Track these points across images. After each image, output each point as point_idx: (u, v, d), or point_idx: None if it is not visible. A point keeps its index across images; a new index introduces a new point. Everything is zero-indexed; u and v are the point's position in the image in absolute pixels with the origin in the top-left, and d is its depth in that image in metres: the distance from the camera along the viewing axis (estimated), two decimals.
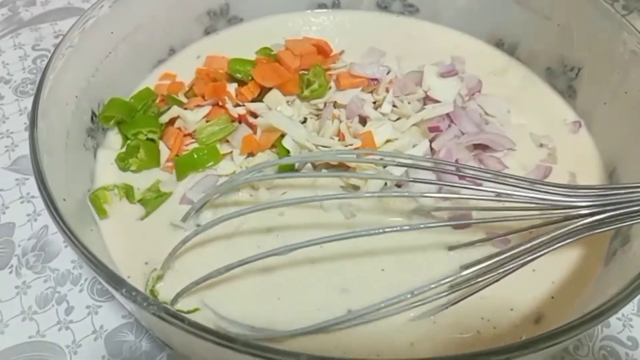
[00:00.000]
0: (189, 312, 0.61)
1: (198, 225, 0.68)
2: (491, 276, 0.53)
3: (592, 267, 0.66)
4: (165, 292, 0.63)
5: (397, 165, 0.63)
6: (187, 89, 0.82)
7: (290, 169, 0.73)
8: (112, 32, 0.77)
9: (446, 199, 0.68)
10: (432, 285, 0.51)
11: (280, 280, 0.64)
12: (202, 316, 0.61)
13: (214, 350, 0.45)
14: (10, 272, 0.73)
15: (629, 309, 0.71)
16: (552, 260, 0.65)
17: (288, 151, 0.73)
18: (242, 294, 0.63)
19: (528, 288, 0.64)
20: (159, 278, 0.64)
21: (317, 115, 0.80)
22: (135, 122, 0.77)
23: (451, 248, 0.66)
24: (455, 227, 0.67)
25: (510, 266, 0.53)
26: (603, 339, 0.68)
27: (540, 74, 0.87)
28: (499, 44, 0.91)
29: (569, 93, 0.83)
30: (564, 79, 0.84)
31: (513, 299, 0.63)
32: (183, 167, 0.73)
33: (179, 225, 0.68)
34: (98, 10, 0.74)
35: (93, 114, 0.75)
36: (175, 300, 0.61)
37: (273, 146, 0.75)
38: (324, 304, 0.60)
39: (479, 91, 0.83)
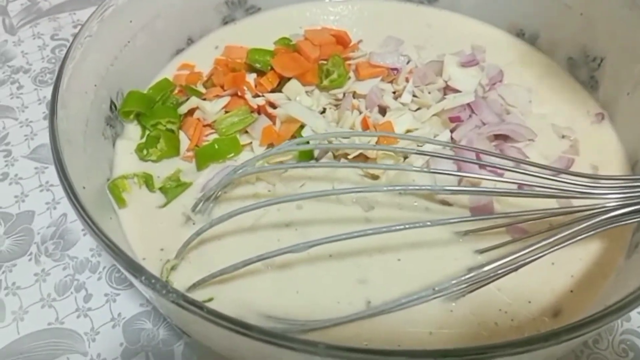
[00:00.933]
0: (203, 302, 0.61)
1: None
2: (509, 268, 0.53)
3: (612, 261, 0.65)
4: (180, 283, 0.63)
5: (417, 153, 0.62)
6: (205, 79, 0.82)
7: (309, 158, 0.72)
8: (130, 21, 0.77)
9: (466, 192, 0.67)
10: (454, 282, 0.50)
11: (297, 274, 0.63)
12: (217, 306, 0.61)
13: (231, 338, 0.45)
14: (30, 260, 0.74)
15: None
16: (572, 253, 0.65)
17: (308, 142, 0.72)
18: (259, 288, 0.62)
19: (546, 281, 0.63)
20: (173, 268, 0.64)
21: (336, 105, 0.79)
22: (154, 113, 0.77)
23: (478, 251, 0.65)
24: (478, 228, 0.66)
25: (530, 258, 0.52)
26: (623, 333, 0.67)
27: (562, 64, 0.86)
28: (520, 34, 0.89)
29: (591, 84, 0.82)
30: (586, 70, 0.82)
31: (531, 291, 0.62)
32: (204, 157, 0.73)
33: (189, 216, 0.68)
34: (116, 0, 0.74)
35: (112, 103, 0.75)
36: (190, 290, 0.62)
37: (293, 137, 0.74)
38: (342, 296, 0.60)
39: (500, 81, 0.82)
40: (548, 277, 0.63)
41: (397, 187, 0.57)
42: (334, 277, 0.63)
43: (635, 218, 0.53)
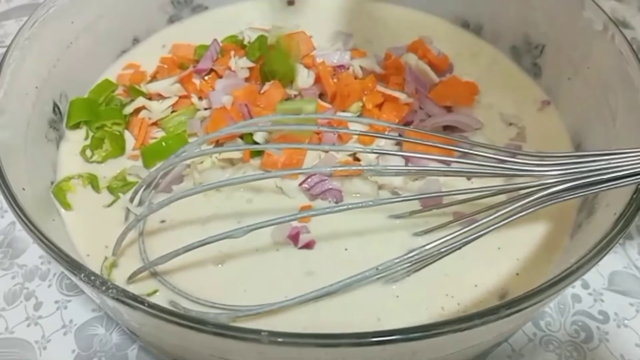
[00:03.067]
0: (148, 295, 0.61)
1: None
2: (452, 247, 0.53)
3: (558, 243, 0.66)
4: (124, 280, 0.63)
5: (367, 152, 0.62)
6: (149, 78, 0.81)
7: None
8: (72, 22, 0.76)
9: (412, 174, 0.68)
10: (397, 260, 0.51)
11: (244, 269, 0.63)
12: (163, 299, 0.61)
13: (176, 333, 0.45)
14: None
15: (599, 283, 0.71)
16: (517, 237, 0.66)
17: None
18: (206, 286, 0.62)
19: (492, 265, 0.64)
20: (113, 265, 0.64)
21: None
22: (99, 115, 0.76)
23: (417, 233, 0.66)
24: (423, 210, 0.67)
25: (472, 236, 0.53)
26: (575, 314, 0.69)
27: (506, 52, 0.87)
28: (465, 24, 0.91)
29: (534, 71, 0.84)
30: (529, 57, 0.84)
31: (477, 275, 0.63)
32: (151, 155, 0.73)
33: (129, 209, 0.68)
34: (57, 0, 0.73)
35: (55, 105, 0.74)
36: (130, 279, 0.61)
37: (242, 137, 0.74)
38: (290, 289, 0.59)
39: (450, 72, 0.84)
40: (494, 261, 0.64)
41: (340, 168, 0.56)
42: (281, 271, 0.63)
43: (575, 194, 0.54)
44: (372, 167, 0.63)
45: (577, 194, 0.55)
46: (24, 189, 0.57)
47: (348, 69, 0.80)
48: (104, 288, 0.45)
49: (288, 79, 0.77)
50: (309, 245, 0.64)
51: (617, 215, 0.53)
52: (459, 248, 0.54)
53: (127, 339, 0.66)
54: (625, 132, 0.65)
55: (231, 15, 0.92)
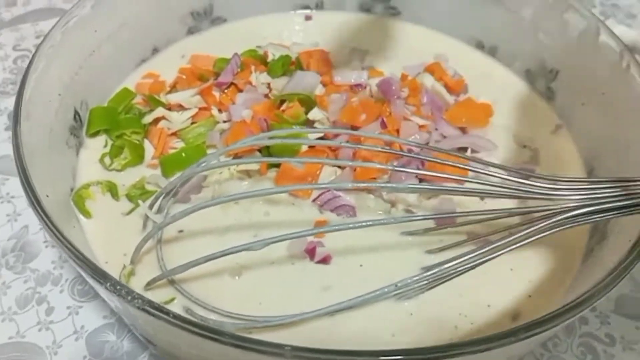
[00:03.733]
0: (165, 302, 0.61)
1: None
2: (468, 265, 0.54)
3: (570, 267, 0.67)
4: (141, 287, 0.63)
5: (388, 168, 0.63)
6: (168, 89, 0.82)
7: None
8: (95, 31, 0.77)
9: (428, 192, 0.69)
10: (415, 278, 0.52)
11: (260, 283, 0.64)
12: (179, 306, 0.61)
13: (195, 343, 0.45)
14: None
15: (606, 306, 0.72)
16: (530, 259, 0.67)
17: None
18: (222, 297, 0.62)
19: (505, 286, 0.65)
20: (130, 274, 0.64)
21: None
22: (119, 124, 0.77)
23: (430, 251, 0.66)
24: (436, 228, 0.67)
25: (488, 256, 0.54)
26: (581, 336, 0.69)
27: (520, 75, 0.88)
28: (479, 46, 0.92)
29: (548, 95, 0.85)
30: (543, 81, 0.85)
31: (490, 296, 0.63)
32: (171, 165, 0.73)
33: (148, 216, 0.68)
34: (81, 10, 0.74)
35: (76, 112, 0.75)
36: (149, 285, 0.61)
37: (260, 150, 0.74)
38: (306, 304, 0.59)
39: (465, 93, 0.85)
40: (507, 282, 0.65)
41: (360, 184, 0.57)
42: (297, 285, 0.64)
43: (591, 219, 0.55)
44: (388, 185, 0.64)
45: (593, 219, 0.56)
46: (47, 196, 0.57)
47: (365, 87, 0.81)
48: (129, 298, 0.45)
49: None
50: (325, 260, 0.65)
51: (632, 243, 0.53)
52: (474, 267, 0.54)
53: (139, 347, 0.66)
54: (639, 158, 0.66)
55: (249, 29, 0.93)
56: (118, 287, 0.46)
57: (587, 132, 0.78)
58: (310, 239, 0.66)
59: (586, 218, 0.55)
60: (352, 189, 0.69)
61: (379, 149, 0.64)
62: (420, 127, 0.76)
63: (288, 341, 0.44)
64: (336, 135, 0.73)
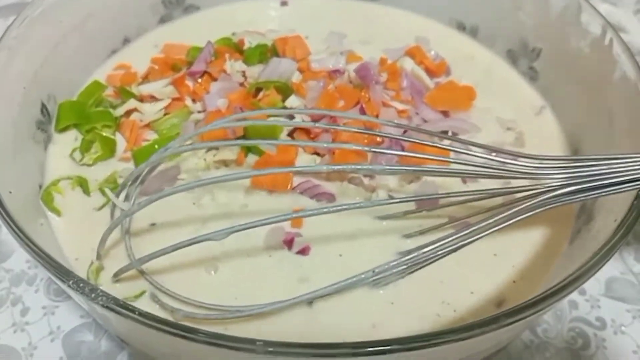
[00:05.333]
0: (135, 296, 0.60)
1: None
2: (449, 248, 0.52)
3: (556, 250, 0.66)
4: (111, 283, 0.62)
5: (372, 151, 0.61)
6: (140, 79, 0.80)
7: None
8: (60, 21, 0.75)
9: (409, 173, 0.67)
10: (393, 263, 0.50)
11: (236, 278, 0.62)
12: (150, 298, 0.60)
13: (167, 342, 0.43)
14: None
15: (596, 290, 0.71)
16: (514, 243, 0.66)
17: None
18: (197, 292, 0.60)
19: (488, 272, 0.63)
20: (99, 270, 0.62)
21: None
22: (89, 118, 0.75)
23: (409, 235, 0.65)
24: (416, 210, 0.66)
25: (470, 238, 0.52)
26: (572, 321, 0.69)
27: (502, 55, 0.87)
28: (460, 27, 0.90)
29: (530, 74, 0.83)
30: (525, 61, 0.84)
31: (473, 282, 0.62)
32: (144, 157, 0.71)
33: (115, 203, 0.66)
34: (45, 0, 0.71)
35: (43, 106, 0.73)
36: (116, 276, 0.60)
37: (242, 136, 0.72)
38: (283, 296, 0.57)
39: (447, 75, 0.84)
40: (490, 268, 0.64)
41: (336, 167, 0.55)
42: (274, 277, 0.62)
43: (575, 198, 0.54)
44: (366, 167, 0.62)
45: (577, 198, 0.54)
46: (10, 192, 0.56)
47: (343, 73, 0.79)
48: (93, 295, 0.43)
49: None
50: (304, 252, 0.63)
51: (618, 222, 0.52)
52: (455, 250, 0.53)
53: (116, 346, 0.65)
54: (623, 136, 0.65)
55: (223, 16, 0.91)
56: (81, 285, 0.44)
57: (571, 112, 0.77)
58: (288, 229, 0.64)
59: (571, 197, 0.54)
60: (327, 171, 0.67)
61: (356, 130, 0.62)
62: (400, 112, 0.75)
63: (265, 334, 0.43)
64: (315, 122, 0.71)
